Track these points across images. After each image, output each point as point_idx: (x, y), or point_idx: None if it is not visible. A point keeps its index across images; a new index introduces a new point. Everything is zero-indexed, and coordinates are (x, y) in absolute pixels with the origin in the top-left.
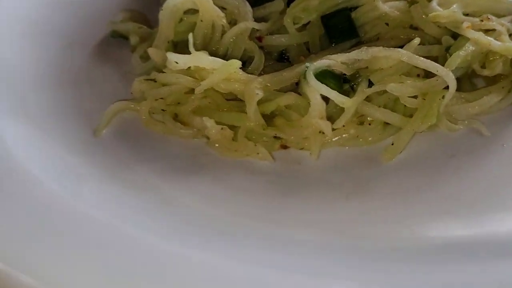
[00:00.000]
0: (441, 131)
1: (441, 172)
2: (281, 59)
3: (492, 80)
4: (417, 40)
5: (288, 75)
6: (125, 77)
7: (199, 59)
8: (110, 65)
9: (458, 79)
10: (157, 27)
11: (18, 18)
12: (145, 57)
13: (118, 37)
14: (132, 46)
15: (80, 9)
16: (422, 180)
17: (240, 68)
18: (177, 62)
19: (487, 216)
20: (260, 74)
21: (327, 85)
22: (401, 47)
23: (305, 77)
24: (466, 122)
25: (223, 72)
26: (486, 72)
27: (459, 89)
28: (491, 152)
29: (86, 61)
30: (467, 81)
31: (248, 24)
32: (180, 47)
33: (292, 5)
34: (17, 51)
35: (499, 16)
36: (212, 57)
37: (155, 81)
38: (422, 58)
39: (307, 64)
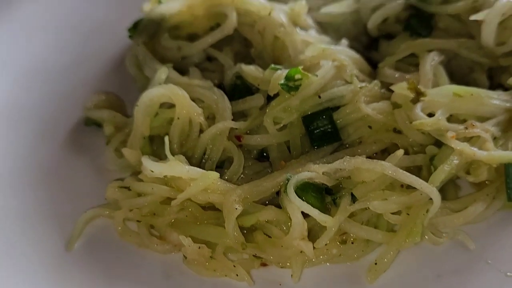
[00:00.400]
0: (425, 244)
1: None
2: (261, 156)
3: (477, 184)
4: (400, 152)
5: (268, 185)
6: (100, 172)
7: (175, 169)
8: (83, 157)
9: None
10: (132, 116)
11: None
12: (120, 151)
13: (92, 125)
14: (106, 136)
15: (52, 90)
16: None
17: (217, 169)
18: (152, 171)
19: None
20: (240, 177)
21: (308, 200)
22: (385, 150)
23: (285, 191)
24: (450, 234)
25: (201, 184)
26: (471, 179)
27: (443, 196)
28: (476, 271)
29: (58, 152)
30: (451, 184)
31: (226, 124)
32: (157, 141)
33: (272, 104)
34: None
35: (483, 118)
36: (189, 166)
37: (129, 189)
38: (406, 173)
39: (288, 176)
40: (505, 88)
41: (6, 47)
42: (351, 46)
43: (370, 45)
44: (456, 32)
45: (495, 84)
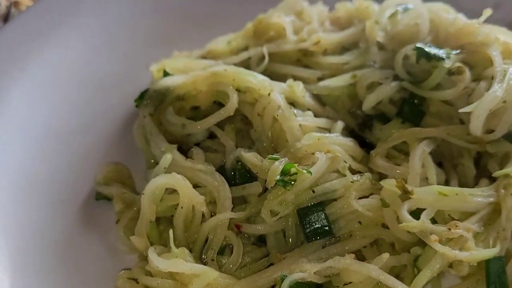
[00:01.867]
0: None
1: None
2: (259, 240)
3: None
4: (386, 255)
5: (264, 281)
6: (111, 250)
7: (179, 266)
8: (95, 233)
9: None
10: (139, 195)
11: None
12: (129, 230)
13: (102, 199)
14: (116, 213)
15: (62, 159)
16: None
17: (218, 255)
18: (158, 267)
19: None
20: (239, 266)
21: None
22: (374, 242)
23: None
24: None
25: (203, 280)
26: (452, 272)
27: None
28: None
29: (70, 228)
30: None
31: (227, 215)
32: (163, 222)
33: (269, 197)
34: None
35: (467, 214)
36: (191, 263)
37: (137, 282)
38: (391, 278)
39: (283, 275)
40: (491, 174)
41: (18, 113)
42: (347, 122)
43: (365, 121)
44: (447, 116)
45: (481, 169)
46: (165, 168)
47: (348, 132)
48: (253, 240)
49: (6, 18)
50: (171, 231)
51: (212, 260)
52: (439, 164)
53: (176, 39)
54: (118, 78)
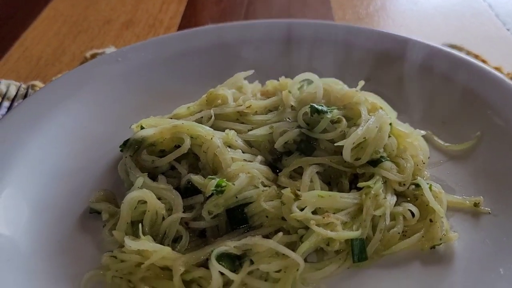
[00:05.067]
0: None
1: None
2: (202, 234)
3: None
4: (280, 234)
5: (201, 254)
6: (99, 246)
7: (144, 245)
8: (88, 234)
9: (314, 250)
10: (120, 208)
11: (27, 195)
12: (112, 232)
13: (94, 212)
14: (103, 221)
15: (66, 188)
16: None
17: (172, 243)
18: (130, 246)
19: None
20: (186, 248)
21: (224, 264)
22: (277, 230)
23: (210, 258)
24: (315, 284)
25: (159, 254)
26: (329, 249)
27: (312, 258)
28: None
29: (70, 232)
30: (320, 251)
31: (179, 215)
32: (136, 225)
33: (208, 201)
34: (23, 225)
35: (339, 210)
36: (153, 243)
37: (116, 257)
38: (283, 247)
39: (212, 248)
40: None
41: (37, 157)
42: (266, 158)
43: (278, 157)
44: (331, 150)
45: (355, 185)
46: (138, 187)
47: (267, 163)
48: (197, 233)
49: (25, 97)
50: (140, 225)
51: (168, 245)
52: (328, 183)
53: (152, 109)
54: (110, 136)
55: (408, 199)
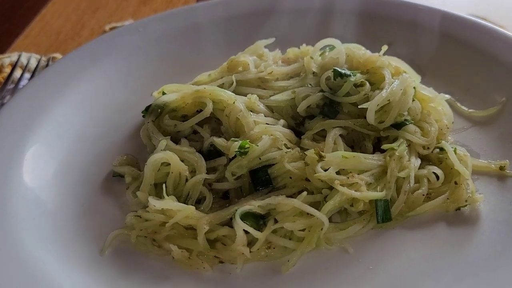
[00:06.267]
0: (322, 250)
1: (317, 279)
2: (225, 196)
3: (359, 212)
4: (304, 193)
5: (225, 214)
6: (122, 208)
7: (168, 204)
8: (112, 197)
9: (338, 212)
10: (143, 171)
11: (52, 158)
12: (135, 194)
13: (117, 176)
14: (126, 183)
15: (92, 153)
16: (307, 285)
17: (196, 204)
18: (154, 206)
19: None
20: (210, 209)
21: (248, 222)
22: (301, 191)
23: (234, 217)
24: (338, 243)
25: (183, 213)
26: (353, 209)
27: (336, 219)
28: (352, 266)
29: (96, 194)
30: (344, 212)
31: (202, 176)
32: (159, 187)
33: (231, 163)
34: (48, 186)
35: (363, 171)
36: (177, 202)
37: (140, 217)
38: (308, 206)
39: (236, 207)
40: (384, 151)
41: (61, 123)
42: (288, 123)
43: (301, 122)
44: (354, 114)
45: (378, 149)
46: (161, 150)
47: (289, 128)
48: (220, 195)
49: None
50: (164, 185)
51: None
52: (351, 147)
53: (173, 78)
54: (132, 103)
55: (432, 162)
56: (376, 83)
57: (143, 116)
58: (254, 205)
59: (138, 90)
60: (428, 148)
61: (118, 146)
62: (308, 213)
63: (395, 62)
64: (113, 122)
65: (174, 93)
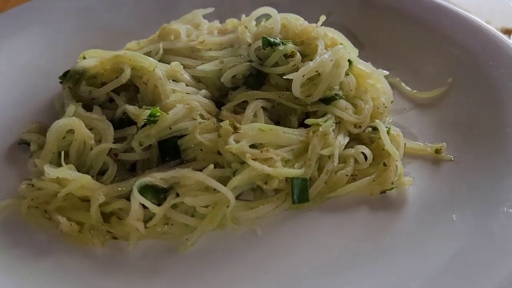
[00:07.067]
0: (228, 230)
1: (216, 260)
2: (132, 168)
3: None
4: (211, 166)
5: (123, 185)
6: (24, 178)
7: (63, 173)
8: (13, 167)
9: (252, 190)
10: None
11: None
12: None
13: (23, 144)
14: (31, 151)
15: (8, 121)
16: (205, 267)
17: (100, 176)
18: (49, 174)
19: None
20: (113, 182)
21: (146, 196)
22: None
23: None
24: (247, 223)
25: (78, 182)
26: (266, 187)
27: (250, 198)
28: (258, 247)
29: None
30: (259, 190)
31: (107, 145)
32: (64, 156)
33: (139, 132)
34: None
35: (281, 146)
36: (73, 171)
37: (33, 186)
38: (212, 180)
39: (135, 179)
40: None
41: None
42: (213, 94)
43: (226, 93)
44: (282, 86)
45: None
46: (69, 116)
47: (214, 100)
48: (127, 167)
49: None
50: (62, 152)
51: (93, 176)
52: (277, 123)
53: (103, 47)
54: (57, 72)
55: (364, 142)
56: (310, 55)
57: (61, 82)
58: (156, 177)
59: (66, 59)
60: (360, 126)
61: (33, 114)
62: (215, 189)
63: (332, 34)
64: (32, 90)
65: (94, 58)
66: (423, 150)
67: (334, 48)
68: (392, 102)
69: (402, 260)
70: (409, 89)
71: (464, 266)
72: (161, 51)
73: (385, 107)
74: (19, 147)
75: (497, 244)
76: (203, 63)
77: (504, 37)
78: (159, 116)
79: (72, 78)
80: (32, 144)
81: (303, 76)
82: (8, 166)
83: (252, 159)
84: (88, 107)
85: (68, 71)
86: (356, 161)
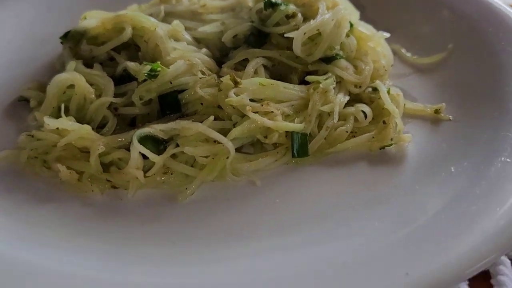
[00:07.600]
0: (228, 182)
1: (215, 210)
2: (132, 123)
3: (275, 146)
4: (211, 118)
5: (123, 137)
6: (25, 129)
7: (63, 123)
8: (12, 123)
9: (251, 144)
10: None
11: None
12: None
13: (23, 101)
14: (31, 107)
15: (6, 78)
16: (204, 216)
17: (100, 129)
18: (48, 124)
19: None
20: (112, 134)
21: (146, 146)
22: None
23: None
24: (247, 175)
25: (77, 133)
26: (266, 141)
27: (250, 151)
28: (258, 198)
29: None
30: (259, 144)
31: (107, 99)
32: (65, 111)
33: (139, 86)
34: None
35: (282, 101)
36: (72, 122)
37: (33, 136)
38: (212, 131)
39: (135, 130)
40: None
41: None
42: (214, 55)
43: (227, 53)
44: (283, 46)
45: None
46: (68, 72)
47: (215, 59)
48: (128, 122)
49: None
50: (62, 105)
51: (93, 129)
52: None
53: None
54: (56, 30)
55: (364, 102)
56: (312, 17)
57: (61, 43)
58: (156, 128)
59: (69, 23)
60: (360, 86)
61: (33, 74)
62: (214, 141)
63: None
64: (33, 51)
65: (95, 18)
66: (422, 110)
67: (335, 9)
68: (392, 65)
69: (399, 206)
70: (409, 55)
71: (461, 210)
72: (162, 14)
73: (385, 70)
74: (19, 104)
75: (496, 189)
76: (203, 26)
77: (502, 4)
78: (159, 71)
79: (73, 38)
80: (32, 101)
81: (304, 34)
82: (7, 121)
83: (253, 112)
84: (88, 66)
85: (69, 32)
86: (356, 119)
